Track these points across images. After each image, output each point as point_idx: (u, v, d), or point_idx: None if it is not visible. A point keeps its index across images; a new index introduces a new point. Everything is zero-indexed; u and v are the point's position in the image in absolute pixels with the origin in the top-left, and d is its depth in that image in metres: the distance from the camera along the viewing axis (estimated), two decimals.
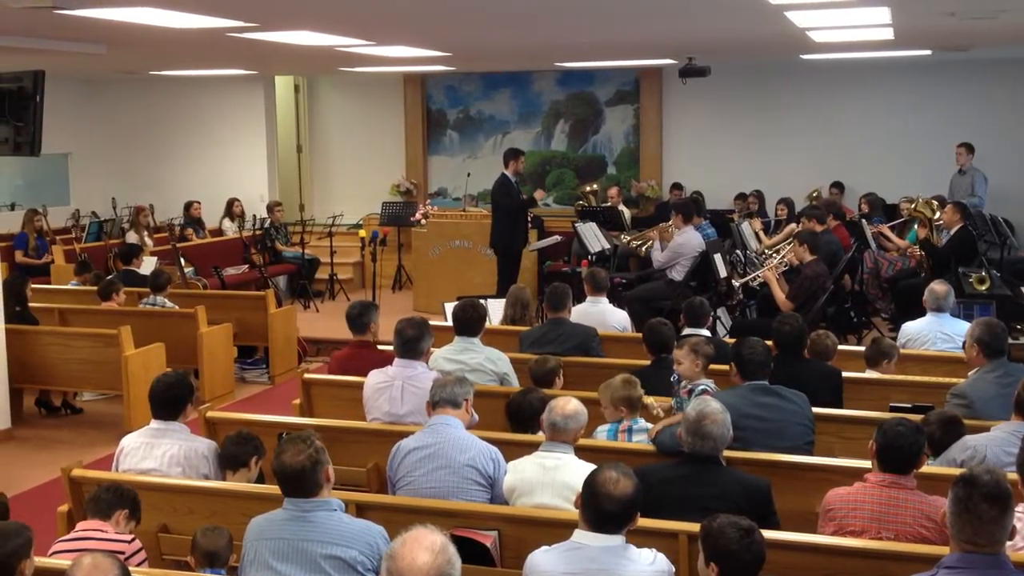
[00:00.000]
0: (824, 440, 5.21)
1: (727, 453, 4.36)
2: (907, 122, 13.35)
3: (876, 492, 3.97)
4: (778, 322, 5.88)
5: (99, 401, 9.07)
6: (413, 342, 5.51)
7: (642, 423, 5.13)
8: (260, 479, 4.72)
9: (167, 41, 8.32)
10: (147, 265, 10.66)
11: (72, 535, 4.14)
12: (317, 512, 3.68)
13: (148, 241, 12.51)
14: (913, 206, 11.08)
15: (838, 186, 13.17)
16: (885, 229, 11.32)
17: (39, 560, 3.74)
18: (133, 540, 4.10)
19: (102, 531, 4.08)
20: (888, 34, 8.86)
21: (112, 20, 6.69)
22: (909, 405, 5.47)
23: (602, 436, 5.10)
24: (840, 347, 6.33)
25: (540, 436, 5.07)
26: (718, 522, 3.35)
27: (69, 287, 10.41)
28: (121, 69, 12.88)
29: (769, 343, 5.44)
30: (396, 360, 5.55)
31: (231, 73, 13.76)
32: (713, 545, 3.32)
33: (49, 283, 11.09)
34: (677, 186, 13.73)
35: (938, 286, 7.06)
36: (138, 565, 4.00)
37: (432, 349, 5.87)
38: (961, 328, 6.61)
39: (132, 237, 12.57)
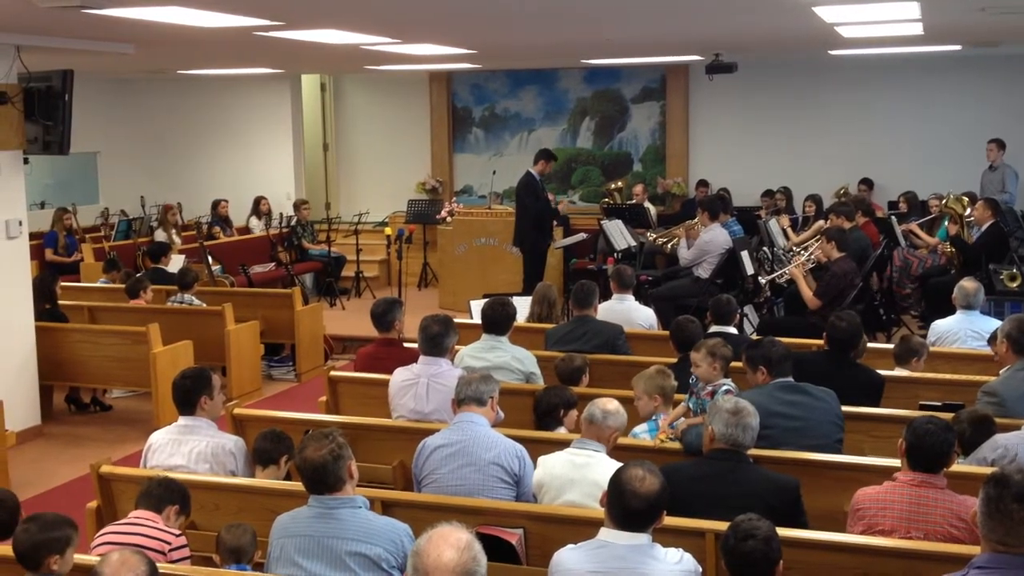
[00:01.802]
0: (853, 439, 5.16)
1: (755, 452, 4.34)
2: (937, 118, 13.21)
3: (906, 491, 3.93)
4: (835, 317, 5.81)
5: (128, 398, 9.15)
6: (437, 339, 5.51)
7: (674, 413, 5.13)
8: (288, 478, 4.74)
9: (194, 40, 8.36)
10: (175, 263, 10.73)
11: (125, 520, 4.20)
12: (342, 509, 3.68)
13: (176, 239, 12.58)
14: (944, 202, 10.96)
15: (867, 183, 13.05)
16: (914, 226, 11.21)
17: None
18: (180, 535, 4.14)
19: (153, 521, 4.12)
20: (917, 29, 8.77)
21: (139, 19, 6.72)
22: (939, 403, 5.41)
23: (644, 435, 5.08)
24: (869, 345, 6.28)
25: (560, 433, 5.07)
26: (735, 520, 3.38)
27: (98, 285, 10.50)
28: (149, 68, 12.97)
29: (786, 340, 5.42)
30: (421, 358, 5.55)
31: (258, 72, 13.82)
32: (723, 544, 3.38)
33: (79, 281, 11.18)
34: (703, 183, 13.66)
35: (968, 283, 6.99)
36: (180, 561, 4.04)
37: (458, 347, 5.87)
38: (992, 326, 6.53)
39: (160, 235, 12.66)
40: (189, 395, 4.88)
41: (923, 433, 3.93)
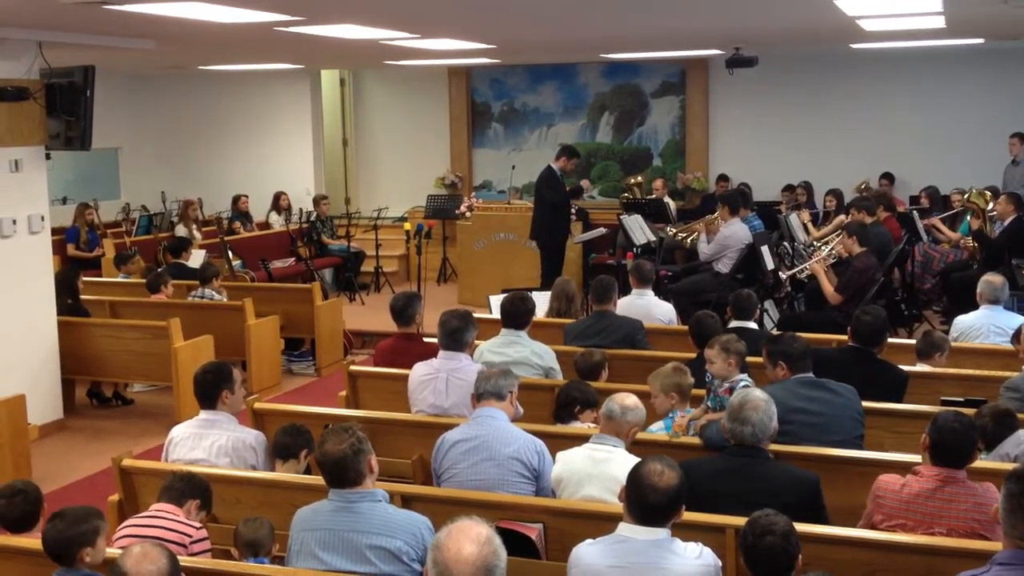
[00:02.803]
0: (874, 434, 5.13)
1: (775, 447, 4.32)
2: (959, 112, 13.11)
3: (929, 487, 3.92)
4: (861, 311, 5.76)
5: (149, 392, 9.20)
6: (457, 333, 5.52)
7: (690, 413, 5.12)
8: (307, 472, 4.75)
9: (215, 36, 8.39)
10: (196, 258, 10.79)
11: (146, 513, 4.23)
12: (362, 503, 3.69)
13: (197, 234, 12.64)
14: (966, 197, 10.90)
15: (888, 177, 12.97)
16: (937, 221, 11.15)
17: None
18: (201, 528, 4.16)
19: (174, 514, 4.15)
20: (940, 23, 8.71)
21: (160, 15, 6.75)
22: (961, 399, 5.38)
23: (660, 433, 5.07)
24: (891, 340, 6.24)
25: (577, 428, 5.06)
26: (752, 516, 3.37)
27: (119, 280, 10.56)
28: (169, 64, 13.02)
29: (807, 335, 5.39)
30: (441, 352, 5.56)
31: (278, 67, 13.85)
32: (741, 540, 3.37)
33: (100, 276, 11.25)
34: (723, 178, 13.62)
35: (994, 277, 6.95)
36: (200, 554, 4.06)
37: (477, 342, 5.87)
38: (1015, 322, 6.50)
39: (181, 230, 12.72)
40: (210, 389, 4.90)
41: (948, 431, 3.91)
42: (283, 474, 4.69)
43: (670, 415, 5.12)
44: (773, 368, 5.08)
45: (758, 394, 4.22)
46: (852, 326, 5.71)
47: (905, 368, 5.91)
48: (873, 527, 4.05)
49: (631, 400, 4.41)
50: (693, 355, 5.98)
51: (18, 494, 4.16)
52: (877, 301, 8.82)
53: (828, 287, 8.39)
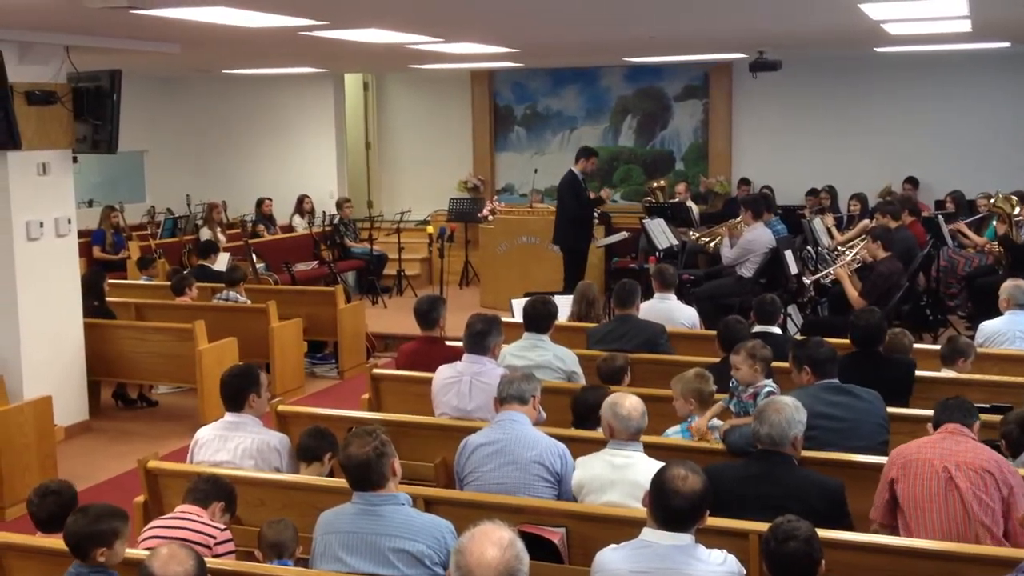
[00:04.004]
0: (899, 440, 5.08)
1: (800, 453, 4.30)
2: (985, 116, 13.01)
3: (940, 435, 4.23)
4: (855, 316, 5.79)
5: (174, 394, 9.26)
6: (480, 336, 5.53)
7: (713, 420, 5.10)
8: (331, 475, 4.77)
9: (240, 40, 8.44)
10: (220, 261, 10.85)
11: (171, 515, 4.27)
12: (385, 506, 3.71)
13: (221, 237, 12.71)
14: (992, 202, 10.81)
15: (912, 181, 12.88)
16: (962, 226, 11.06)
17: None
18: (225, 530, 4.20)
19: (199, 516, 4.19)
20: (965, 26, 8.65)
21: (186, 20, 6.80)
22: (987, 405, 5.34)
23: (675, 436, 5.07)
24: (915, 345, 6.21)
25: (600, 432, 5.05)
26: (774, 522, 3.37)
27: (144, 282, 10.63)
28: (195, 68, 13.11)
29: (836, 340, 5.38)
30: (465, 356, 5.58)
31: (302, 71, 13.93)
32: (764, 546, 3.37)
33: (125, 278, 11.33)
34: (745, 182, 13.58)
35: (1019, 282, 6.89)
36: (225, 555, 4.09)
37: (501, 345, 5.87)
38: None
39: (206, 233, 12.80)
40: (238, 392, 4.93)
41: (944, 401, 4.35)
42: (306, 476, 4.71)
43: (687, 420, 5.14)
44: (798, 372, 5.07)
45: (788, 400, 4.23)
46: (850, 335, 5.75)
47: (930, 373, 5.89)
48: (889, 488, 4.20)
49: (624, 409, 4.31)
50: (716, 359, 5.96)
51: (50, 495, 4.21)
52: (902, 306, 8.80)
53: (852, 292, 8.34)
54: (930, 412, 5.32)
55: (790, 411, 4.13)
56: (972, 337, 6.96)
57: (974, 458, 4.07)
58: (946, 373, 6.04)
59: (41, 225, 7.71)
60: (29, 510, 4.25)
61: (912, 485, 4.08)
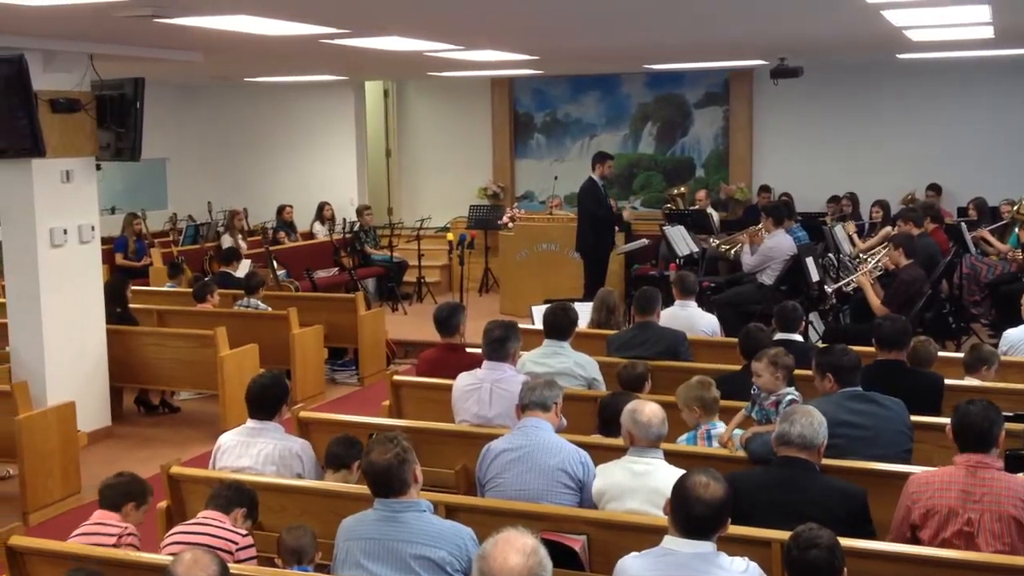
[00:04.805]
0: (921, 448, 5.07)
1: (822, 461, 4.28)
2: (1007, 122, 12.93)
3: (962, 472, 4.00)
4: (879, 320, 5.76)
5: (195, 400, 9.30)
6: (499, 342, 5.53)
7: (721, 427, 5.09)
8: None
9: (261, 48, 8.49)
10: (241, 268, 10.90)
11: (194, 520, 4.31)
12: (407, 513, 3.71)
13: (242, 244, 12.77)
14: (1015, 208, 10.74)
15: (934, 188, 12.82)
16: (985, 233, 10.99)
17: (144, 555, 3.98)
18: (247, 535, 4.23)
19: (221, 522, 4.22)
20: (988, 32, 8.61)
21: (208, 28, 6.85)
22: (1011, 413, 5.29)
23: (683, 445, 5.06)
24: (939, 353, 6.17)
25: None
26: (796, 529, 3.35)
27: (166, 289, 10.69)
28: (216, 76, 13.19)
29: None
30: (485, 363, 5.58)
31: (322, 79, 13.99)
32: (786, 554, 3.34)
33: (148, 285, 11.40)
34: (765, 188, 13.54)
35: None
36: (247, 561, 4.12)
37: (520, 352, 5.87)
38: None
39: (227, 240, 12.86)
40: (273, 403, 4.99)
41: (969, 415, 4.03)
42: (327, 483, 4.72)
43: (694, 428, 5.14)
44: (821, 380, 5.04)
45: (810, 407, 4.24)
46: (874, 336, 5.73)
47: (953, 382, 5.84)
48: (911, 529, 4.07)
49: (644, 416, 4.32)
50: (737, 367, 5.95)
51: (122, 478, 4.62)
52: (924, 314, 8.73)
53: (875, 299, 8.30)
54: None
55: (819, 416, 4.16)
56: (995, 345, 6.91)
57: (999, 504, 3.90)
58: (969, 381, 6.00)
59: (65, 232, 7.76)
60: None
61: (934, 532, 3.99)
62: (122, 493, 4.47)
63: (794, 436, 4.09)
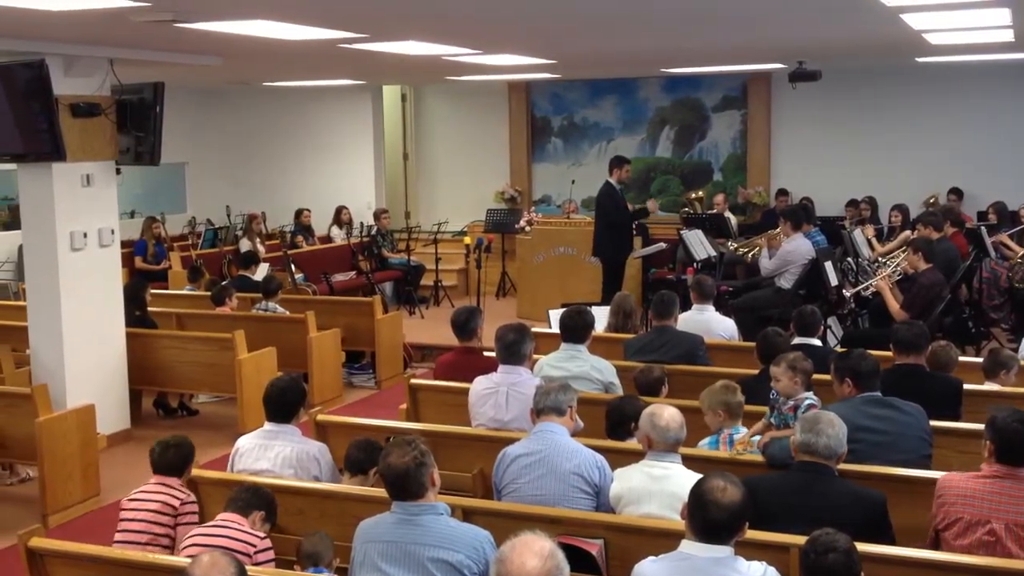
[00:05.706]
0: (941, 454, 5.04)
1: (841, 466, 4.26)
2: None
3: (989, 482, 3.98)
4: (897, 325, 5.74)
5: (213, 403, 9.34)
6: (514, 346, 5.54)
7: (743, 431, 5.08)
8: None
9: (280, 52, 8.53)
10: (260, 271, 10.95)
11: (213, 522, 4.33)
12: (424, 516, 3.71)
13: (260, 248, 12.82)
14: None
15: (956, 192, 12.75)
16: (1005, 237, 10.93)
17: (163, 557, 4.03)
18: (265, 538, 4.25)
19: (239, 524, 4.24)
20: (1008, 36, 8.56)
21: (228, 33, 6.89)
22: None
23: (705, 448, 5.05)
24: (959, 358, 6.14)
25: (633, 444, 5.03)
26: (813, 534, 3.34)
27: (185, 292, 10.74)
28: (235, 80, 13.26)
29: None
30: (500, 367, 5.58)
31: (340, 83, 14.04)
32: (803, 559, 3.33)
33: (167, 288, 11.46)
34: (783, 192, 13.50)
35: None
36: (265, 563, 4.13)
37: (537, 356, 5.87)
38: None
39: (245, 244, 12.92)
40: (290, 406, 5.01)
41: (1010, 431, 3.97)
42: (345, 486, 4.74)
43: (717, 432, 5.13)
44: (840, 384, 5.02)
45: (832, 415, 4.22)
46: (892, 340, 5.71)
47: (972, 387, 5.81)
48: (936, 530, 4.05)
49: (663, 421, 4.31)
50: (755, 371, 5.93)
51: (171, 448, 4.90)
52: (944, 318, 8.69)
53: (893, 304, 8.26)
54: (975, 426, 5.29)
55: (842, 425, 4.14)
56: (1015, 350, 6.87)
57: (1021, 513, 3.91)
58: (989, 386, 5.97)
59: (85, 235, 7.82)
60: (151, 459, 4.91)
61: (960, 541, 3.99)
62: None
63: (820, 447, 4.07)
